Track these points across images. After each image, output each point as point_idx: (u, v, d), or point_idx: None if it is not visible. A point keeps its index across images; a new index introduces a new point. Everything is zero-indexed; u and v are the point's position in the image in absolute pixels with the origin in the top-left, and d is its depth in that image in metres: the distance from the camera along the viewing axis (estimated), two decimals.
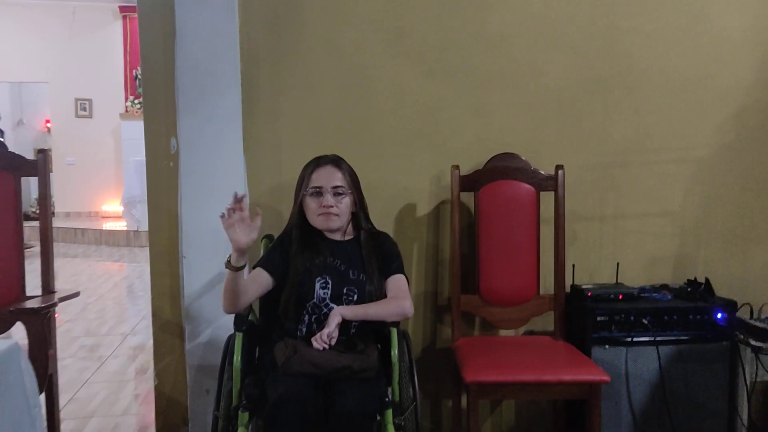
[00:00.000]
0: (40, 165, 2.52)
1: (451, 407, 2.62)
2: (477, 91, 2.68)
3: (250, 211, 1.87)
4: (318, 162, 2.14)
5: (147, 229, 2.66)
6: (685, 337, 2.44)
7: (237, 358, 1.98)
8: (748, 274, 2.78)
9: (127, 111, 9.87)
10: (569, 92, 2.71)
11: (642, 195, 2.76)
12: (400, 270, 2.12)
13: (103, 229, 8.93)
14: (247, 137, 2.54)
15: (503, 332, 2.71)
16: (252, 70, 2.56)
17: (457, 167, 2.56)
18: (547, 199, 2.59)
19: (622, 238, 2.76)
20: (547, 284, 2.64)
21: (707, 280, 2.58)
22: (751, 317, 2.61)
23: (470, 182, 2.57)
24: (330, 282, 2.04)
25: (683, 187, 2.77)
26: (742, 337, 2.51)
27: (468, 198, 2.63)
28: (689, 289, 2.57)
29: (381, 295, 2.06)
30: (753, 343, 2.50)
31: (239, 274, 1.89)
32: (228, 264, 1.88)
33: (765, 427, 2.72)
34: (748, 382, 2.48)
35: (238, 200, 1.83)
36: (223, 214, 1.82)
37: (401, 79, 2.65)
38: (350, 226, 2.17)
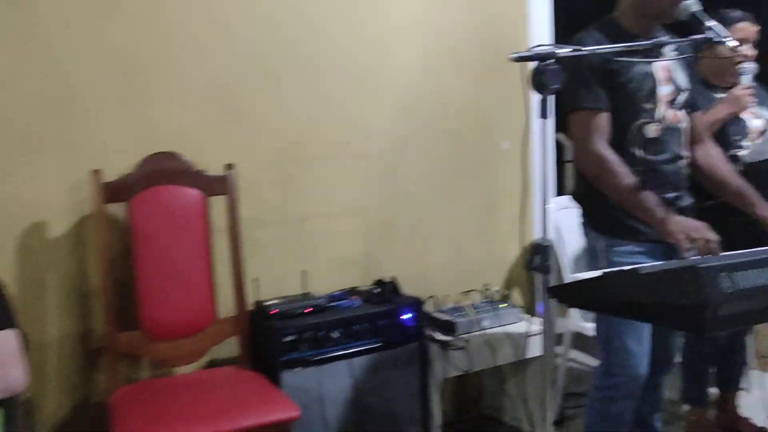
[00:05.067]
0: None
1: None
2: (125, 78, 2.16)
3: None
4: None
5: None
6: (376, 345, 2.27)
7: None
8: (431, 267, 2.75)
9: None
10: (237, 82, 2.35)
11: (324, 193, 2.54)
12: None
13: None
14: None
15: (183, 369, 2.24)
16: None
17: (99, 172, 2.01)
18: (219, 204, 2.20)
19: (308, 242, 2.51)
20: (228, 305, 2.25)
21: (393, 279, 2.47)
22: (436, 310, 2.58)
23: (118, 190, 2.05)
24: None
25: (363, 183, 2.62)
26: (430, 334, 2.45)
27: (119, 210, 2.10)
28: (378, 291, 2.42)
29: None
30: (439, 337, 2.45)
31: None
32: None
33: (458, 422, 2.75)
34: (439, 381, 2.41)
35: None
36: None
37: (15, 66, 1.99)
38: None
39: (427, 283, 2.66)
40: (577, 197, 2.06)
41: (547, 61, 1.57)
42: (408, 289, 2.48)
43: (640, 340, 1.92)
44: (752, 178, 2.07)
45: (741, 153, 2.31)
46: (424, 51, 2.69)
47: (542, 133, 1.60)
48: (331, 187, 2.54)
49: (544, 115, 1.61)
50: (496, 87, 2.82)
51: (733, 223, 2.18)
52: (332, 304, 2.32)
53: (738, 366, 2.58)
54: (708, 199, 2.10)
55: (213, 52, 2.30)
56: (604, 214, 1.94)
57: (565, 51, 1.60)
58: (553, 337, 1.74)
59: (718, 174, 2.02)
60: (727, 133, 2.32)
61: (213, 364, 2.30)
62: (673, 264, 1.42)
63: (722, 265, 1.26)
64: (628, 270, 1.39)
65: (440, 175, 2.76)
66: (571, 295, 1.54)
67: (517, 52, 1.59)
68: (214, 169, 2.19)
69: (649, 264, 1.52)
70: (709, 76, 2.43)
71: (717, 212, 2.10)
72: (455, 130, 2.78)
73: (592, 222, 2.00)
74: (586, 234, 2.03)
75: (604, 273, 1.48)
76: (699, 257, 1.58)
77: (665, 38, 1.92)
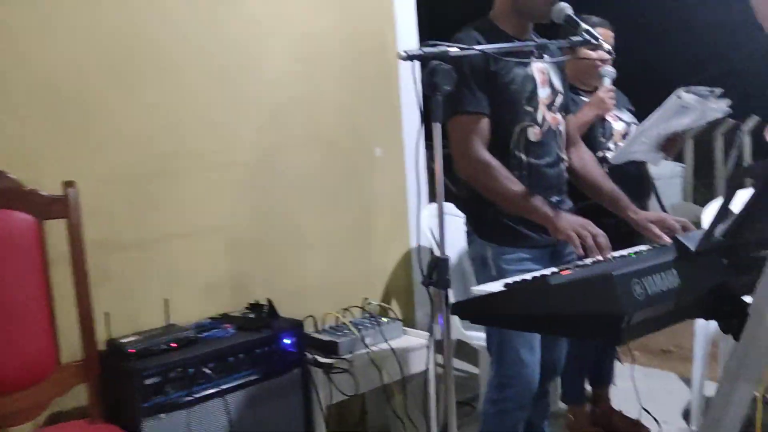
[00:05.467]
0: None
1: None
2: None
3: None
4: None
5: None
6: (254, 377, 2.05)
7: None
8: (308, 284, 2.56)
9: None
10: (80, 84, 2.03)
11: (185, 210, 2.26)
12: None
13: None
14: None
15: (19, 428, 1.86)
16: None
17: None
18: (59, 229, 1.86)
19: (169, 266, 2.22)
20: (73, 347, 1.90)
21: (270, 301, 2.25)
22: (316, 330, 2.41)
23: None
24: None
25: (231, 197, 2.38)
26: (312, 358, 2.26)
27: None
28: (252, 315, 2.20)
29: None
30: (321, 360, 2.27)
31: None
32: None
33: None
34: (323, 408, 2.23)
35: None
36: None
37: None
38: None
39: (304, 302, 2.47)
40: (462, 205, 1.99)
41: (439, 61, 1.47)
42: (284, 310, 2.27)
43: (532, 349, 1.88)
44: (616, 179, 2.13)
45: (608, 155, 2.38)
46: (292, 54, 2.51)
47: (437, 138, 1.49)
48: (193, 202, 2.27)
49: (436, 118, 1.50)
50: (368, 91, 2.72)
51: (602, 224, 2.24)
52: (201, 335, 2.05)
53: (609, 361, 2.67)
54: (580, 200, 2.12)
55: (46, 51, 1.96)
56: (491, 221, 1.89)
57: (456, 50, 1.51)
58: (452, 352, 1.63)
59: (592, 177, 2.04)
60: (594, 136, 2.38)
61: (57, 418, 1.94)
62: (583, 273, 1.37)
63: (633, 272, 1.22)
64: (537, 281, 1.32)
65: (313, 185, 2.59)
66: (476, 311, 1.44)
67: (406, 51, 1.47)
68: (51, 188, 1.84)
69: (553, 272, 1.46)
70: (571, 79, 2.49)
71: (588, 214, 2.14)
72: (327, 137, 2.62)
73: (479, 230, 1.93)
74: (473, 242, 1.96)
75: (511, 287, 1.40)
76: (604, 264, 1.54)
77: (543, 40, 1.90)
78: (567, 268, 1.53)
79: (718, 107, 2.10)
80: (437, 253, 2.58)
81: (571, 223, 1.71)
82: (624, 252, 1.72)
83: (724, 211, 1.26)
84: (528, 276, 1.54)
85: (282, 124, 2.49)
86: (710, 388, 2.70)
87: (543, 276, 1.47)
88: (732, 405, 1.36)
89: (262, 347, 2.07)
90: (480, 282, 1.93)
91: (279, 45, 2.47)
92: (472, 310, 1.44)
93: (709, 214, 2.66)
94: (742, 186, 1.26)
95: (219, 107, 2.33)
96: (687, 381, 3.08)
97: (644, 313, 1.24)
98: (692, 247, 1.31)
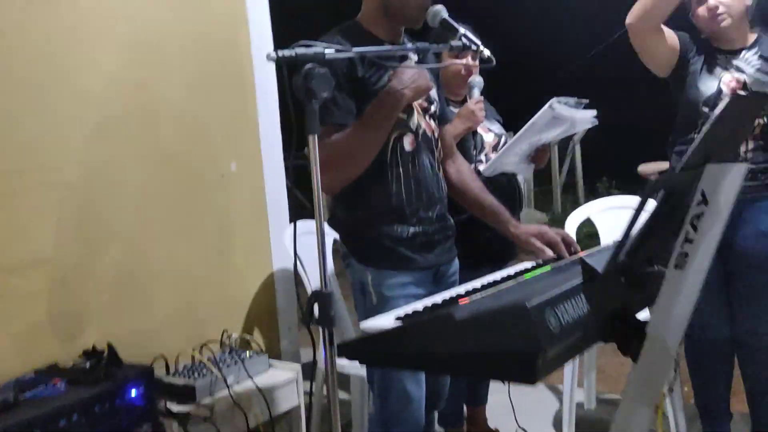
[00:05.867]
0: None
1: None
2: None
3: None
4: None
5: None
6: None
7: None
8: (156, 319, 2.23)
9: None
10: None
11: None
12: None
13: None
14: None
15: None
16: None
17: None
18: None
19: None
20: None
21: (109, 345, 1.90)
22: (168, 373, 2.09)
23: None
24: None
25: (53, 224, 2.00)
26: (164, 407, 1.94)
27: None
28: (88, 365, 1.84)
29: None
30: (176, 409, 1.97)
31: None
32: None
33: None
34: None
35: None
36: None
37: None
38: None
39: (152, 342, 2.15)
40: (337, 224, 1.79)
41: (314, 64, 1.26)
42: (128, 354, 1.94)
43: (419, 382, 1.73)
44: (489, 191, 2.05)
45: (480, 167, 2.31)
46: (125, 58, 2.18)
47: (313, 151, 1.29)
48: (7, 231, 1.87)
49: (311, 129, 1.30)
50: (218, 99, 2.44)
51: (477, 238, 2.15)
52: (23, 395, 1.68)
53: (485, 381, 2.60)
54: (456, 213, 2.02)
55: None
56: (370, 243, 1.72)
57: (333, 52, 1.31)
58: (336, 392, 1.43)
59: (471, 190, 1.93)
60: (466, 148, 2.29)
61: None
62: (487, 303, 1.22)
63: (546, 301, 1.09)
64: (438, 316, 1.15)
65: (156, 206, 2.27)
66: (368, 351, 1.24)
67: (277, 51, 1.25)
68: None
69: (445, 300, 1.31)
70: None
71: (465, 227, 2.04)
72: (170, 151, 2.31)
73: (356, 252, 1.75)
74: (350, 266, 1.77)
75: (407, 322, 1.22)
76: (504, 290, 1.38)
77: (424, 44, 1.75)
78: (460, 296, 1.39)
79: (586, 118, 2.10)
80: (303, 277, 2.43)
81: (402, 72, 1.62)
82: (510, 271, 1.61)
83: (630, 228, 1.18)
84: (419, 305, 1.39)
85: (114, 137, 2.15)
86: (578, 395, 2.75)
87: (438, 307, 1.32)
88: (633, 426, 1.31)
89: (102, 404, 1.74)
90: (359, 311, 1.76)
91: (109, 47, 2.14)
92: (363, 350, 1.25)
93: (572, 222, 2.69)
94: (654, 198, 1.19)
95: (33, 117, 1.95)
96: (552, 389, 3.13)
97: (558, 347, 1.12)
98: (598, 268, 1.22)
